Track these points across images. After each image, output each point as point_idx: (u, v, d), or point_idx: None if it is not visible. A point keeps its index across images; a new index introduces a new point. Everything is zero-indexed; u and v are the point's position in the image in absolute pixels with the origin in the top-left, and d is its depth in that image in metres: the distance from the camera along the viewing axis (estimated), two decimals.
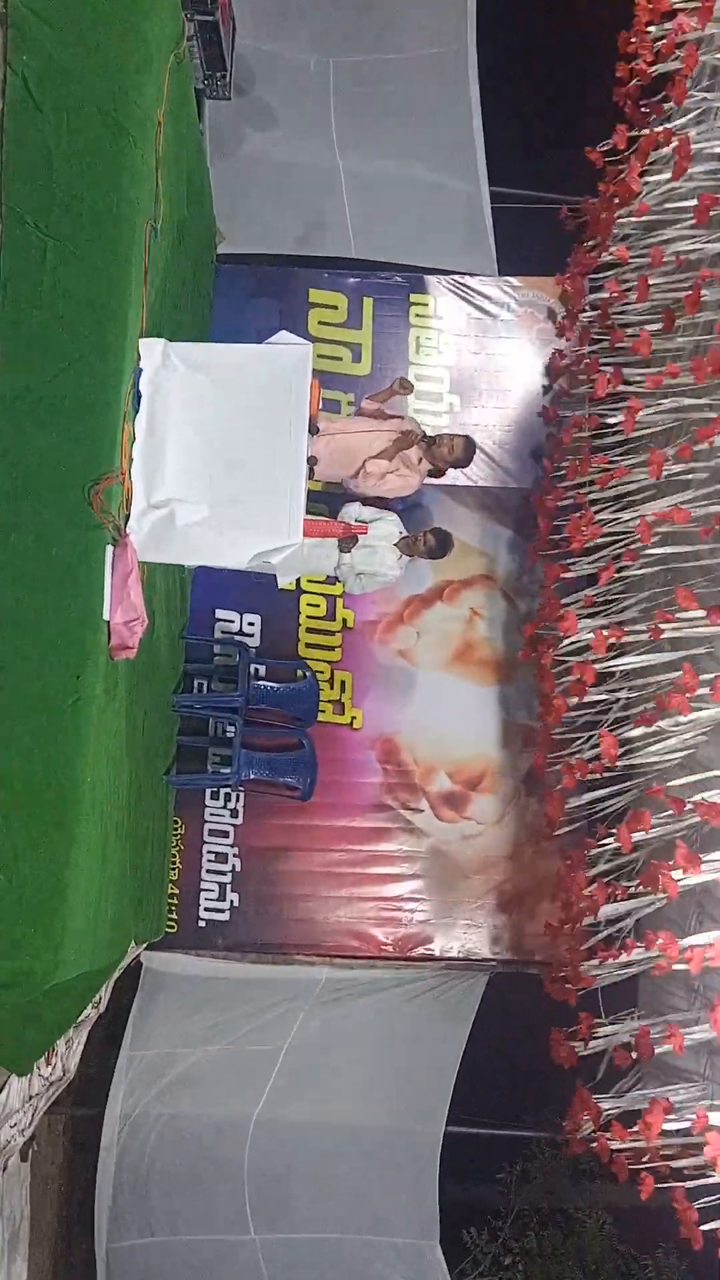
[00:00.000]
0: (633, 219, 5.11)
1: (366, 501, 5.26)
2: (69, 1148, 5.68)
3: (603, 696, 4.87)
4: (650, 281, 4.84)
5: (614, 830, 4.54)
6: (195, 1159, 5.53)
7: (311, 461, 4.30)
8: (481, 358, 6.37)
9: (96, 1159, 5.47)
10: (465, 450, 5.26)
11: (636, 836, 4.37)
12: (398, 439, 5.11)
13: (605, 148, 5.31)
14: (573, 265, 5.87)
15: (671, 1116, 4.10)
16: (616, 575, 4.93)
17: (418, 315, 6.39)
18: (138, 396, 3.77)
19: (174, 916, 5.69)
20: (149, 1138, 5.50)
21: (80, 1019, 4.56)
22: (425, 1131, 5.60)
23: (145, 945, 5.39)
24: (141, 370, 3.79)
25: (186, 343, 4.01)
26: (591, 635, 4.69)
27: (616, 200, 5.11)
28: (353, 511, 5.17)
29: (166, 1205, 5.48)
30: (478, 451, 5.55)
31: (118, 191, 3.60)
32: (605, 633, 4.66)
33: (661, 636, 4.42)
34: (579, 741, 5.02)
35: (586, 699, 4.91)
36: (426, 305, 6.40)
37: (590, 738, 4.90)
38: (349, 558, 5.05)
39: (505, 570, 6.16)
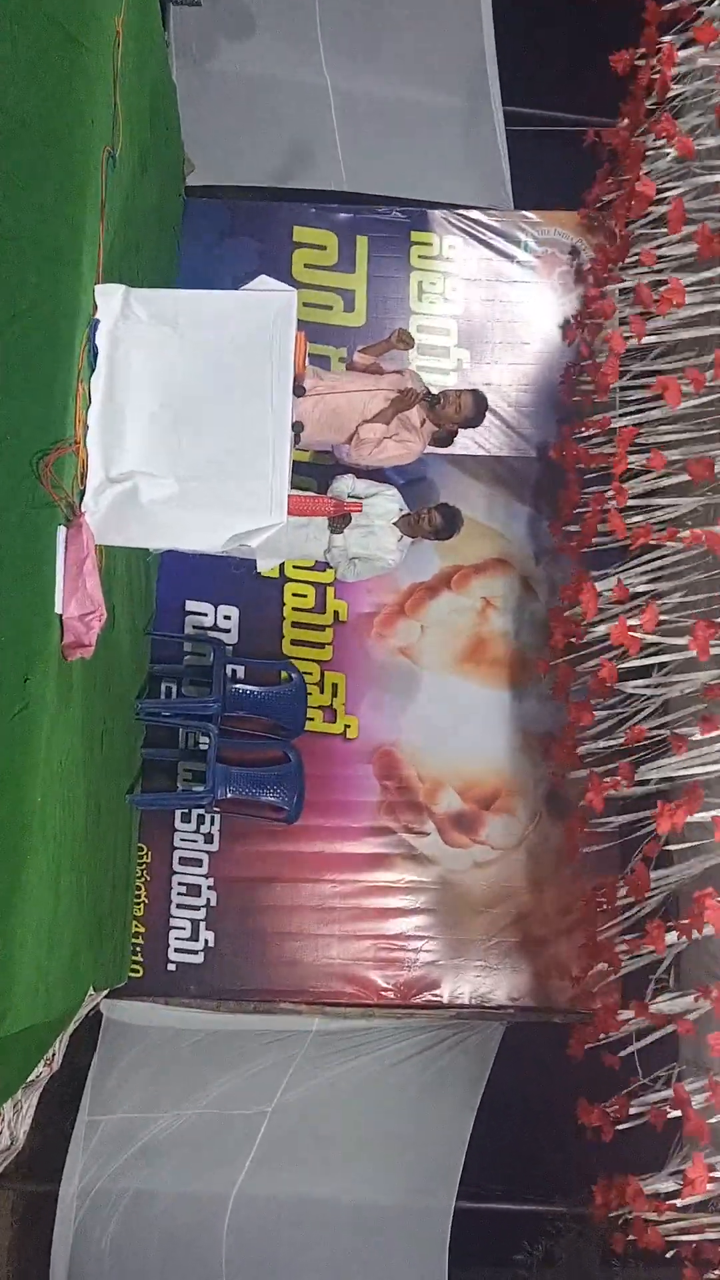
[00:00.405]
0: (667, 148, 5.14)
1: (361, 475, 5.28)
2: (18, 1227, 5.69)
3: (642, 685, 4.90)
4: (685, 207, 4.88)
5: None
6: (165, 1242, 5.53)
7: (297, 427, 4.31)
8: (495, 306, 6.39)
9: (50, 1240, 5.48)
10: (475, 408, 5.27)
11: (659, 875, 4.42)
12: (395, 398, 5.12)
13: (636, 56, 5.35)
14: (592, 200, 5.87)
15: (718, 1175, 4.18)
16: (651, 558, 4.96)
17: (420, 256, 6.40)
18: (94, 352, 3.76)
19: (139, 959, 5.70)
20: (111, 1216, 5.49)
21: (30, 1079, 4.56)
22: (432, 1207, 5.60)
23: (106, 992, 5.39)
24: (98, 322, 3.78)
25: (150, 289, 4.01)
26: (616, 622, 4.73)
27: (653, 99, 5.13)
28: (345, 486, 5.19)
29: None
30: (490, 414, 5.56)
31: (70, 113, 3.60)
32: (637, 620, 4.69)
33: (709, 654, 4.45)
34: (606, 744, 5.05)
35: (618, 692, 4.94)
36: (430, 245, 6.41)
37: (617, 730, 4.91)
38: (341, 540, 5.06)
39: (523, 553, 6.18)
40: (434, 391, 5.29)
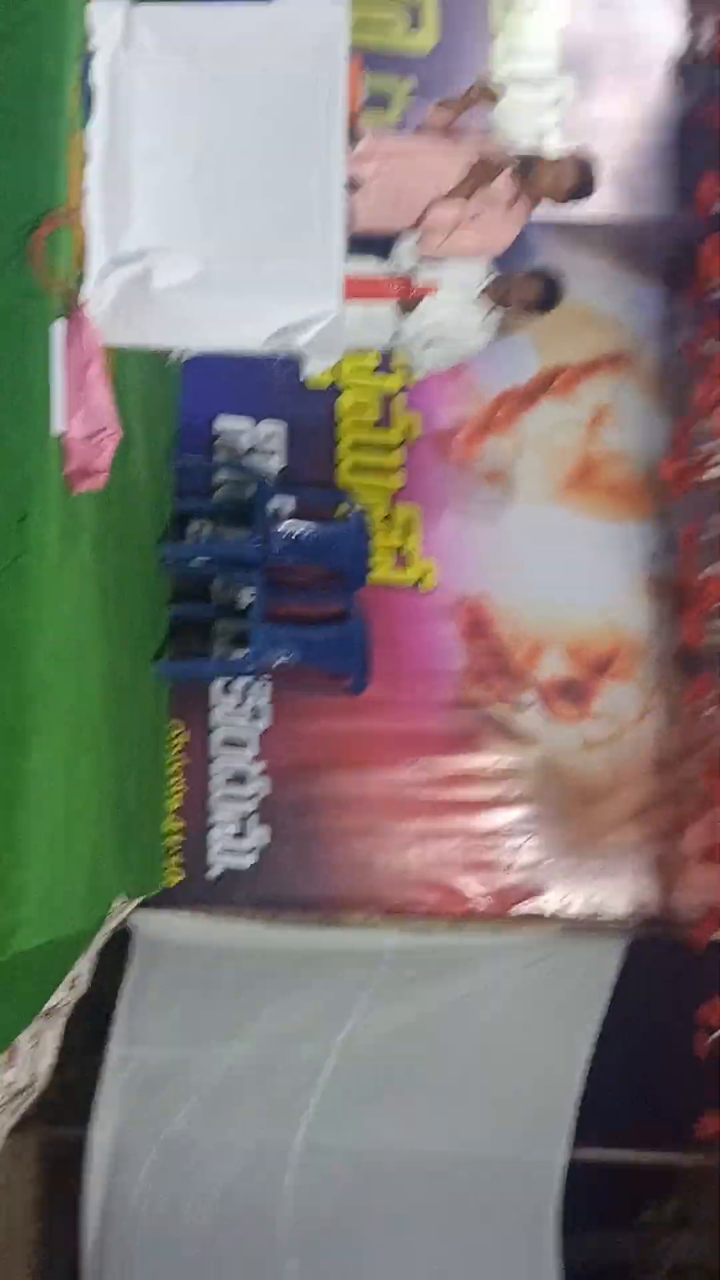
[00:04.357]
0: None
1: None
2: (45, 1177, 5.99)
3: None
4: None
5: None
6: (212, 1203, 5.76)
7: (352, 186, 4.22)
8: (611, 15, 6.16)
9: (80, 1193, 5.74)
10: (579, 174, 5.09)
11: None
12: (475, 168, 4.96)
13: None
14: None
15: None
16: None
17: None
18: (89, 95, 3.71)
19: (176, 861, 5.83)
20: (142, 1171, 5.72)
21: (50, 1006, 4.73)
22: (538, 1160, 5.77)
23: (137, 902, 5.52)
24: (93, 54, 3.72)
25: (159, 4, 3.90)
26: None
27: None
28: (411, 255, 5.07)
29: (172, 1272, 5.74)
30: (602, 169, 5.39)
31: None
32: None
33: None
34: None
35: None
36: None
37: None
38: (414, 322, 4.97)
39: (648, 347, 6.07)
40: (525, 155, 5.11)
